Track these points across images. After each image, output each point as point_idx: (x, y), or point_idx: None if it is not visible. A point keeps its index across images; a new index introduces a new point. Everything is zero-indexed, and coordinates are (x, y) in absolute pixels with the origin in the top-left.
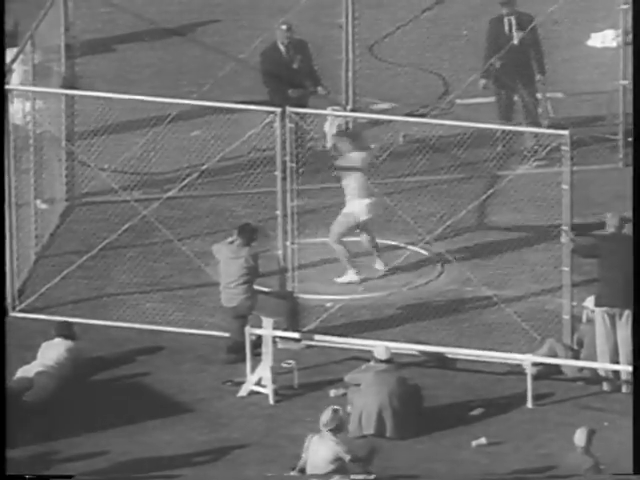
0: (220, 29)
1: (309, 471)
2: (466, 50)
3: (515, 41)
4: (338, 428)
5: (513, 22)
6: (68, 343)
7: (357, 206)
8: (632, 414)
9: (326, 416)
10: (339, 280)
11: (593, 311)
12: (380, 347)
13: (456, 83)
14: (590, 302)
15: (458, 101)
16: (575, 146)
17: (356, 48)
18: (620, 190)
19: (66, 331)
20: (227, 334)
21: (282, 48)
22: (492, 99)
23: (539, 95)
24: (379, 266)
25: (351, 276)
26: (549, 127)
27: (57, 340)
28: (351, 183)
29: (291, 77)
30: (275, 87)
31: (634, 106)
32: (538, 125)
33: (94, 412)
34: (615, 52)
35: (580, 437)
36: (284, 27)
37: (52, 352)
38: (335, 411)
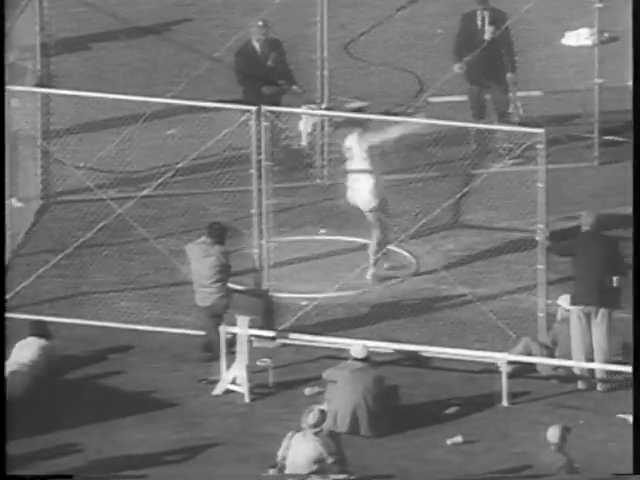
0: (195, 28)
1: (290, 470)
2: (441, 49)
3: (487, 36)
4: (322, 428)
5: (486, 17)
6: (42, 342)
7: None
8: (632, 414)
9: (313, 416)
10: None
11: (568, 310)
12: (357, 346)
13: (431, 82)
14: (564, 300)
15: (431, 99)
16: (550, 144)
17: (331, 47)
18: (595, 188)
19: (40, 330)
20: (202, 333)
21: (257, 46)
22: (465, 97)
23: (510, 94)
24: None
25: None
26: (523, 125)
27: (31, 339)
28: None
29: (265, 75)
30: (250, 85)
31: (634, 106)
32: (508, 124)
33: (68, 410)
34: (590, 51)
35: (553, 434)
36: (260, 23)
37: (26, 351)
38: (322, 411)
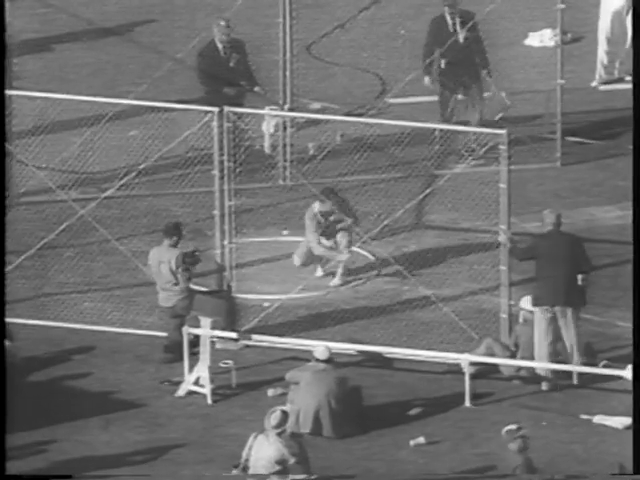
0: (157, 29)
1: (252, 470)
2: (403, 50)
3: (460, 39)
4: (284, 430)
5: (457, 20)
6: (4, 343)
7: None
8: (632, 414)
9: (275, 418)
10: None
11: (530, 311)
12: (320, 347)
13: (393, 82)
14: (526, 302)
15: (391, 100)
16: (513, 145)
17: (293, 48)
18: (558, 189)
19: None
20: (164, 334)
21: (220, 46)
22: (427, 98)
23: (489, 92)
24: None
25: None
26: (487, 126)
27: None
28: None
29: (228, 76)
30: (212, 86)
31: (634, 105)
32: (482, 123)
33: (32, 412)
34: (553, 51)
35: (509, 434)
36: (223, 23)
37: None
38: (284, 413)
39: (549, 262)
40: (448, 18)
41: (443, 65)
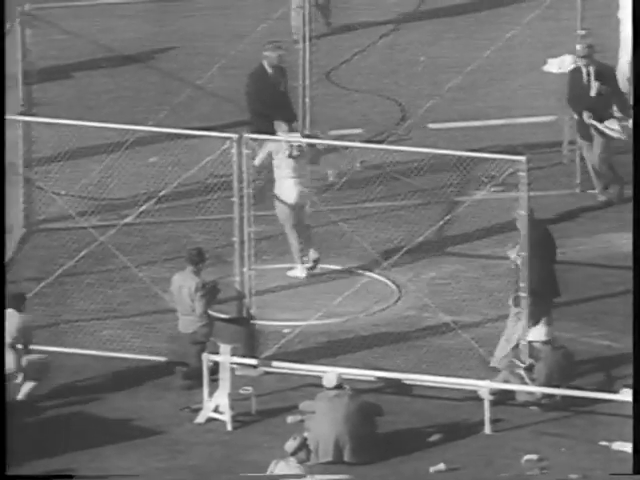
0: (177, 56)
1: None
2: (423, 76)
3: (592, 92)
4: (305, 456)
5: (591, 72)
6: (20, 315)
7: (286, 189)
8: (632, 414)
9: (294, 444)
10: (288, 273)
11: (544, 342)
12: (328, 374)
13: (413, 109)
14: (534, 335)
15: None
16: (532, 171)
17: (313, 74)
18: (577, 215)
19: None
20: (184, 361)
21: (269, 71)
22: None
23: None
24: (313, 255)
25: (300, 271)
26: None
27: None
28: (282, 164)
29: (277, 101)
30: (261, 111)
31: (634, 104)
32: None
33: (52, 438)
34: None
35: (529, 463)
36: (280, 51)
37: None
38: (303, 439)
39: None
40: (583, 70)
41: (587, 119)
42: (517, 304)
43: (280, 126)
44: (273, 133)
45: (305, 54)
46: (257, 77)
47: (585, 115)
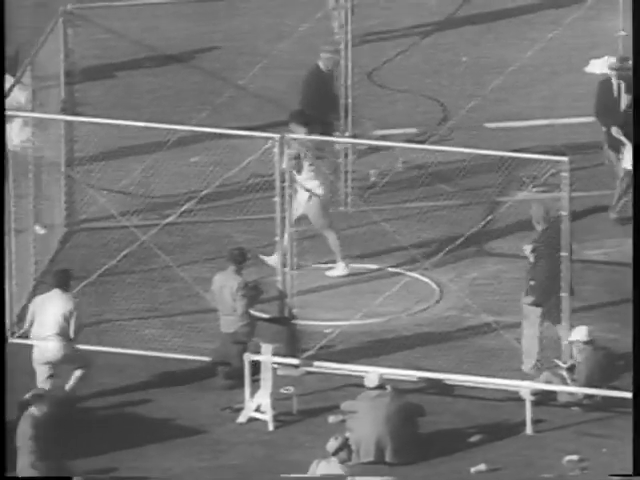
0: (219, 55)
1: None
2: (465, 76)
3: (622, 106)
4: (346, 456)
5: (622, 86)
6: (66, 297)
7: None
8: (632, 413)
9: (335, 444)
10: (327, 273)
11: (586, 342)
12: (370, 374)
13: (455, 110)
14: (577, 334)
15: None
16: (574, 172)
17: (355, 74)
18: (619, 216)
19: (64, 281)
20: (225, 361)
21: (325, 73)
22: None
23: None
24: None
25: (340, 269)
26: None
27: (54, 292)
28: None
29: (333, 103)
30: (317, 109)
31: (634, 104)
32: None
33: (93, 438)
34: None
35: (570, 464)
36: (331, 49)
37: (51, 307)
38: (345, 439)
39: (551, 259)
40: (613, 83)
41: (616, 134)
42: (531, 301)
43: (297, 130)
44: (323, 132)
45: (347, 54)
46: (313, 77)
47: (614, 130)
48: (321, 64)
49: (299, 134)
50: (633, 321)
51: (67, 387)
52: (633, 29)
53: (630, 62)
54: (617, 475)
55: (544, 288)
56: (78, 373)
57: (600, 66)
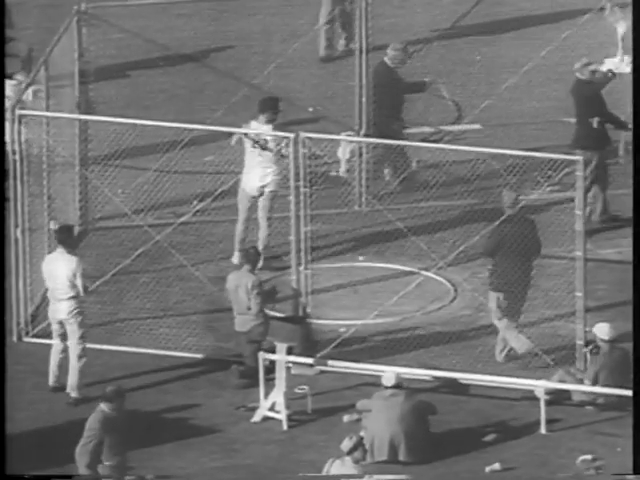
0: (233, 55)
1: None
2: (479, 76)
3: None
4: (361, 455)
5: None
6: (73, 260)
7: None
8: (632, 414)
9: (350, 443)
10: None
11: (606, 340)
12: (387, 373)
13: (469, 109)
14: (599, 330)
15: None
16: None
17: (369, 73)
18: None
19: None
20: (240, 360)
21: (392, 69)
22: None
23: None
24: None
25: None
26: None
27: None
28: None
29: (400, 99)
30: (389, 105)
31: (634, 105)
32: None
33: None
34: (628, 77)
35: (584, 463)
36: (400, 47)
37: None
38: (359, 438)
39: (513, 247)
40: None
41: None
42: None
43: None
44: (397, 129)
45: (361, 53)
46: (381, 73)
47: (594, 121)
48: (387, 60)
49: (266, 125)
50: (633, 321)
51: (69, 382)
52: (633, 29)
53: (592, 66)
54: (617, 475)
55: (500, 274)
56: (77, 365)
57: (614, 65)
